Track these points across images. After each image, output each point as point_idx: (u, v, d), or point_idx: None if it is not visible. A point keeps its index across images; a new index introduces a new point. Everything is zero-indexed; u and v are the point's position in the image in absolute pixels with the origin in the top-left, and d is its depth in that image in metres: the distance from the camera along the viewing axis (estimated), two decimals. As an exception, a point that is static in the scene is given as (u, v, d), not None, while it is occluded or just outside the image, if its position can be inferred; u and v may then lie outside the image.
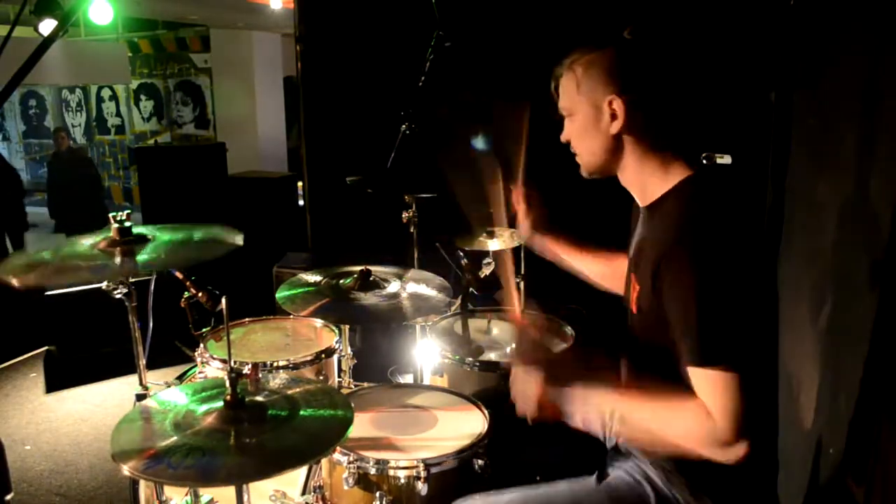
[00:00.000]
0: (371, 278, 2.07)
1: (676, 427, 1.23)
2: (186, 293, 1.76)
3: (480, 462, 1.58)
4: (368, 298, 1.98)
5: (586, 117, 1.36)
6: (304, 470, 1.84)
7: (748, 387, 1.17)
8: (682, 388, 1.23)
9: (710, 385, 1.18)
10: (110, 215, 1.64)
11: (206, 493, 1.77)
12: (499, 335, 2.30)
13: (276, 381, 1.48)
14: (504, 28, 3.58)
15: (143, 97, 9.78)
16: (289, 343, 2.21)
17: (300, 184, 5.21)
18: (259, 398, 1.38)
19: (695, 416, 1.19)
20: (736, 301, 1.20)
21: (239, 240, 1.70)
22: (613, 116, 1.33)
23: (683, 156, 1.36)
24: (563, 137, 1.44)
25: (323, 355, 2.09)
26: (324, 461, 1.66)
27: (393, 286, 2.06)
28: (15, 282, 1.46)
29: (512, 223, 1.92)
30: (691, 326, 1.20)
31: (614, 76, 1.32)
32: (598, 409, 1.31)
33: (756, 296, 1.26)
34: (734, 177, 2.56)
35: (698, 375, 1.20)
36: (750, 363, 1.19)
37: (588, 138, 1.38)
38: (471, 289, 2.21)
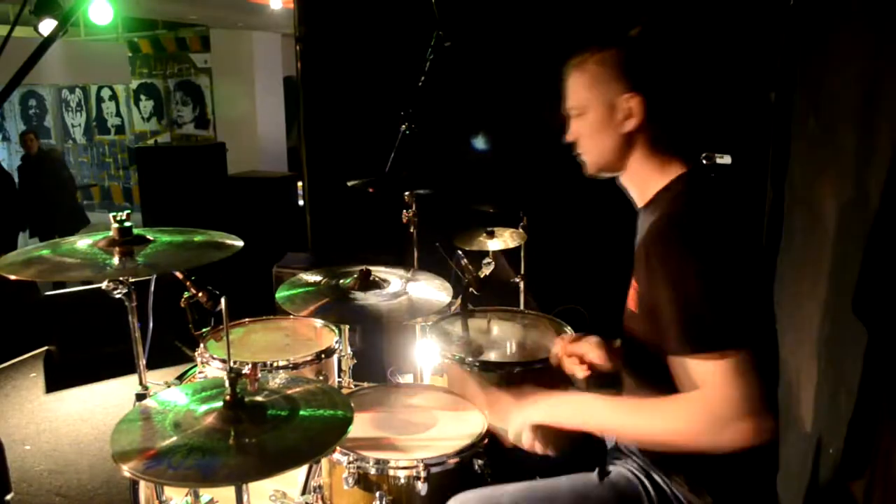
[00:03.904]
0: (371, 278, 2.07)
1: (667, 424, 1.21)
2: (186, 293, 1.76)
3: (480, 462, 1.58)
4: (368, 298, 1.98)
5: (599, 115, 1.36)
6: (304, 470, 1.84)
7: (750, 367, 1.14)
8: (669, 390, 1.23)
9: (704, 373, 1.17)
10: (111, 215, 1.64)
11: (206, 493, 1.77)
12: (499, 335, 2.30)
13: (276, 381, 1.48)
14: (506, 27, 3.57)
15: (143, 97, 9.77)
16: (289, 343, 2.21)
17: (300, 184, 5.21)
18: (259, 398, 1.38)
19: (686, 410, 1.18)
20: (725, 286, 1.19)
21: (238, 244, 1.71)
22: (629, 114, 1.33)
23: (682, 154, 1.37)
24: (569, 137, 1.43)
25: (323, 355, 2.09)
26: (324, 461, 1.66)
27: (393, 286, 2.06)
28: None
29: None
30: (678, 313, 1.19)
31: (630, 73, 1.32)
32: (574, 415, 1.33)
33: (750, 284, 1.25)
34: (734, 177, 2.57)
35: (689, 365, 1.19)
36: (749, 344, 1.16)
37: (600, 136, 1.37)
38: (471, 289, 2.20)
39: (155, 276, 1.82)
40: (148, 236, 1.68)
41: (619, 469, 1.44)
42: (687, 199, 1.29)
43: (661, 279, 1.22)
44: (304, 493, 1.81)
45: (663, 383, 1.28)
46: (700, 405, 1.17)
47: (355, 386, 2.18)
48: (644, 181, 1.38)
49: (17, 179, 7.03)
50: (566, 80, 1.41)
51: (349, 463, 1.55)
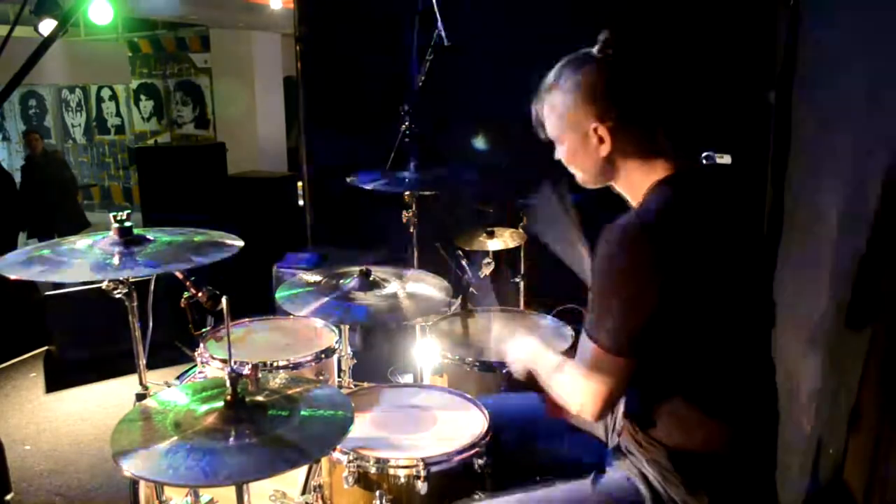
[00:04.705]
0: (371, 278, 2.07)
1: (562, 382, 1.39)
2: (186, 293, 1.76)
3: (480, 461, 1.58)
4: (368, 298, 1.98)
5: (575, 142, 1.38)
6: (304, 470, 1.84)
7: (621, 376, 1.26)
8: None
9: (586, 355, 1.29)
10: (111, 215, 1.64)
11: (205, 494, 1.77)
12: (498, 335, 2.30)
13: (276, 381, 1.48)
14: (507, 28, 3.57)
15: (143, 97, 9.76)
16: (289, 343, 2.21)
17: (300, 184, 5.21)
18: (259, 398, 1.38)
19: (570, 377, 1.35)
20: (637, 297, 1.23)
21: (238, 244, 1.71)
22: (601, 140, 1.34)
23: (667, 155, 1.35)
24: (557, 156, 1.45)
25: (323, 355, 2.09)
26: (324, 460, 1.66)
27: (393, 286, 2.06)
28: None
29: None
30: (592, 298, 1.29)
31: (595, 101, 1.33)
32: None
33: (703, 295, 1.25)
34: (734, 177, 2.57)
35: (584, 341, 1.30)
36: (637, 356, 1.25)
37: (581, 160, 1.40)
38: (471, 289, 2.21)
39: (155, 276, 1.82)
40: (148, 236, 1.68)
41: (615, 472, 1.44)
42: (653, 203, 1.30)
43: (595, 270, 1.30)
44: (304, 492, 1.81)
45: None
46: (578, 377, 1.31)
47: (355, 386, 2.18)
48: (635, 186, 1.38)
49: (19, 179, 7.01)
50: (540, 105, 1.42)
51: (349, 462, 1.55)
